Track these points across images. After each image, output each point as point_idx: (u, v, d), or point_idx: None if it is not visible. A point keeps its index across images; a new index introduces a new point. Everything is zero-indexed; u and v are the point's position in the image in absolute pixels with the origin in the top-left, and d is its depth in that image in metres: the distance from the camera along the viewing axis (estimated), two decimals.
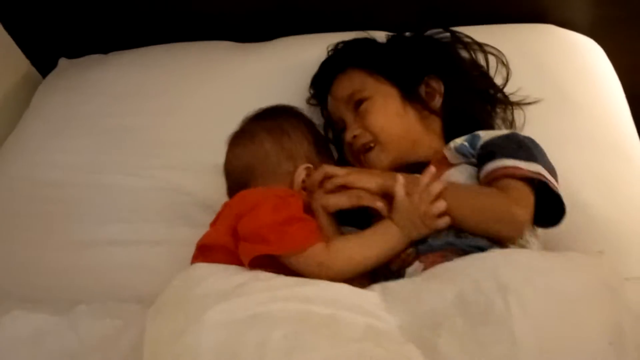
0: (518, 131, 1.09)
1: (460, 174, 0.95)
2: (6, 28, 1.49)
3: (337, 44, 1.20)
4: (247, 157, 0.97)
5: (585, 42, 1.29)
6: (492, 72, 1.18)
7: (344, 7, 1.35)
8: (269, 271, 0.82)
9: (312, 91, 1.21)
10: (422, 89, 1.08)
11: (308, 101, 1.22)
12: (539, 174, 0.88)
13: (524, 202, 0.87)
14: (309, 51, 1.30)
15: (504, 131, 1.00)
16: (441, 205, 0.86)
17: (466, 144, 0.96)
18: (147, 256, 1.07)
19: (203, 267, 0.84)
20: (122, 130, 1.27)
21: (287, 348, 0.68)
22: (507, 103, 1.14)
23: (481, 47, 1.18)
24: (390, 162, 1.01)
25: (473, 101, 1.10)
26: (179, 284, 0.82)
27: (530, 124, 1.13)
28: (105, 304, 0.94)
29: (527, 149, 0.93)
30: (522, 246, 0.88)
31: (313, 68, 1.24)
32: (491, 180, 0.90)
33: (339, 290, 0.78)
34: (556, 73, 1.20)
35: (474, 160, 0.96)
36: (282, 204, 0.86)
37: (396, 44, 1.16)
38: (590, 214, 1.01)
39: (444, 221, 0.86)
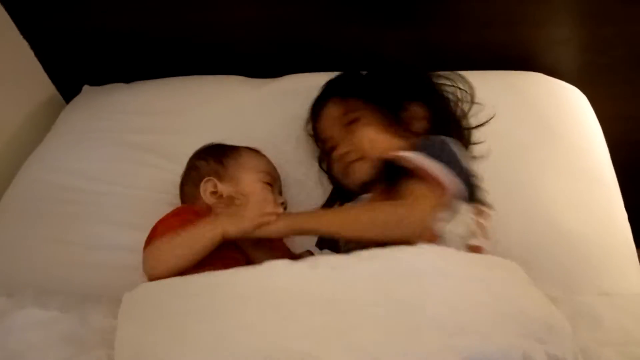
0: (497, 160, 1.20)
1: None
2: (36, 54, 1.59)
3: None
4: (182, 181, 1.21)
5: (569, 89, 1.38)
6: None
7: (347, 49, 1.47)
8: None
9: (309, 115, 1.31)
10: (404, 113, 1.17)
11: (305, 128, 1.32)
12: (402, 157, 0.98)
13: (416, 199, 0.95)
14: (314, 88, 1.39)
15: None
16: (271, 218, 0.99)
17: None
18: None
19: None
20: (136, 146, 1.36)
21: None
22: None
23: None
24: (371, 173, 1.11)
25: (452, 126, 1.19)
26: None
27: (514, 156, 1.21)
28: (113, 302, 0.97)
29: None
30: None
31: None
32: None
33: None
34: (541, 114, 1.29)
35: None
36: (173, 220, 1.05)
37: (379, 74, 1.27)
38: (566, 233, 1.08)
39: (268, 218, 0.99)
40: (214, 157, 1.18)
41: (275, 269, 0.84)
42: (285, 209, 1.20)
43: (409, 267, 0.81)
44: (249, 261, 1.04)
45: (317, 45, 1.48)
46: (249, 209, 1.01)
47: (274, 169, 1.23)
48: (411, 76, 1.25)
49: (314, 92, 1.37)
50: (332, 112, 1.22)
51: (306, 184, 1.30)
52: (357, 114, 1.17)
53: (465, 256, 0.85)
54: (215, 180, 1.14)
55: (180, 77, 1.54)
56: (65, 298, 1.01)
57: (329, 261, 0.87)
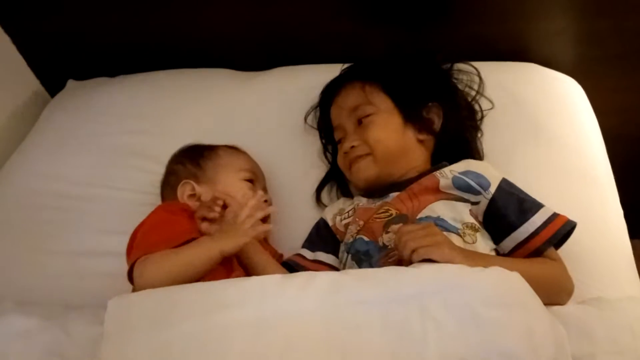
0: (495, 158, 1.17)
1: (445, 208, 0.99)
2: (19, 49, 1.56)
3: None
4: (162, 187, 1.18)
5: (565, 80, 1.34)
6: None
7: (336, 41, 1.43)
8: None
9: (320, 97, 1.27)
10: (424, 112, 1.13)
11: (306, 117, 1.29)
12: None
13: (564, 267, 0.95)
14: (303, 80, 1.38)
15: (497, 174, 1.04)
16: (259, 214, 0.97)
17: (472, 182, 1.00)
18: None
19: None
20: (121, 148, 1.33)
21: None
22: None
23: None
24: (377, 173, 1.08)
25: (466, 127, 1.17)
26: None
27: (507, 153, 1.18)
28: (97, 310, 0.95)
29: (525, 199, 1.00)
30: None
31: (307, 96, 1.32)
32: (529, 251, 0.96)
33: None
34: (535, 108, 1.25)
35: (467, 196, 1.00)
36: (160, 219, 1.03)
37: (403, 66, 1.21)
38: None
39: (262, 228, 0.98)
40: (191, 160, 1.16)
41: (266, 292, 0.81)
42: (270, 205, 1.17)
43: (409, 295, 0.77)
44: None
45: (305, 42, 1.45)
46: (234, 213, 1.00)
47: (255, 165, 1.20)
48: (433, 70, 1.22)
49: (305, 85, 1.35)
50: (348, 99, 1.15)
51: (296, 176, 1.27)
52: (372, 108, 1.11)
53: (472, 275, 0.81)
54: (193, 183, 1.11)
55: (166, 71, 1.51)
56: (47, 308, 0.99)
57: (322, 283, 0.82)
